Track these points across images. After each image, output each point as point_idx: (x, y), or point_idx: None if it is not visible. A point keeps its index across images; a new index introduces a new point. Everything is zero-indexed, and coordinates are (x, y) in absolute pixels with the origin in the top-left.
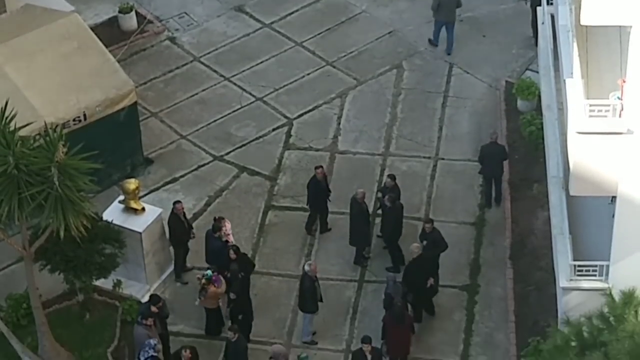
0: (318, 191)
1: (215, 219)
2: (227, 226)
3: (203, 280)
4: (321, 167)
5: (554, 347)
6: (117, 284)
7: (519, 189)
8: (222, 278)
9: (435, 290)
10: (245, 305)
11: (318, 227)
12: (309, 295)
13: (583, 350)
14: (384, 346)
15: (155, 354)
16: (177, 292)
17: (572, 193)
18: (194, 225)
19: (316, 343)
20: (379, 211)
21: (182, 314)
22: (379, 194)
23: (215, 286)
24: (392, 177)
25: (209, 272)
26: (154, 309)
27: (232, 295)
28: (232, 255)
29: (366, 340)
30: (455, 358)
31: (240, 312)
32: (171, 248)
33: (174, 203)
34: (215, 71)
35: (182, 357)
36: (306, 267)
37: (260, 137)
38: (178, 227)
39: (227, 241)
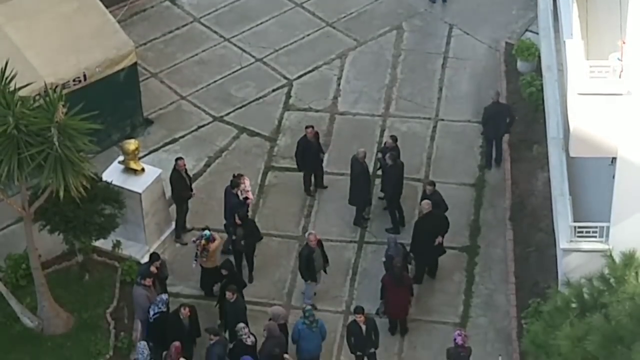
0: (306, 150)
1: (234, 176)
2: (246, 183)
3: (202, 242)
4: (312, 126)
5: (554, 309)
6: (117, 244)
7: (519, 150)
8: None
9: (443, 250)
10: (237, 282)
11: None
12: (304, 264)
13: (583, 311)
14: (382, 306)
15: (164, 310)
16: (176, 253)
17: (572, 154)
18: (193, 186)
19: (315, 308)
20: (379, 172)
21: (181, 275)
22: (379, 154)
23: (212, 242)
24: (394, 138)
25: (207, 232)
26: (153, 268)
27: (223, 272)
28: (237, 220)
29: (359, 310)
30: (455, 319)
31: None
32: (172, 207)
33: (176, 159)
34: (215, 32)
35: (180, 314)
36: (306, 236)
37: (260, 97)
38: (180, 183)
39: (246, 198)
